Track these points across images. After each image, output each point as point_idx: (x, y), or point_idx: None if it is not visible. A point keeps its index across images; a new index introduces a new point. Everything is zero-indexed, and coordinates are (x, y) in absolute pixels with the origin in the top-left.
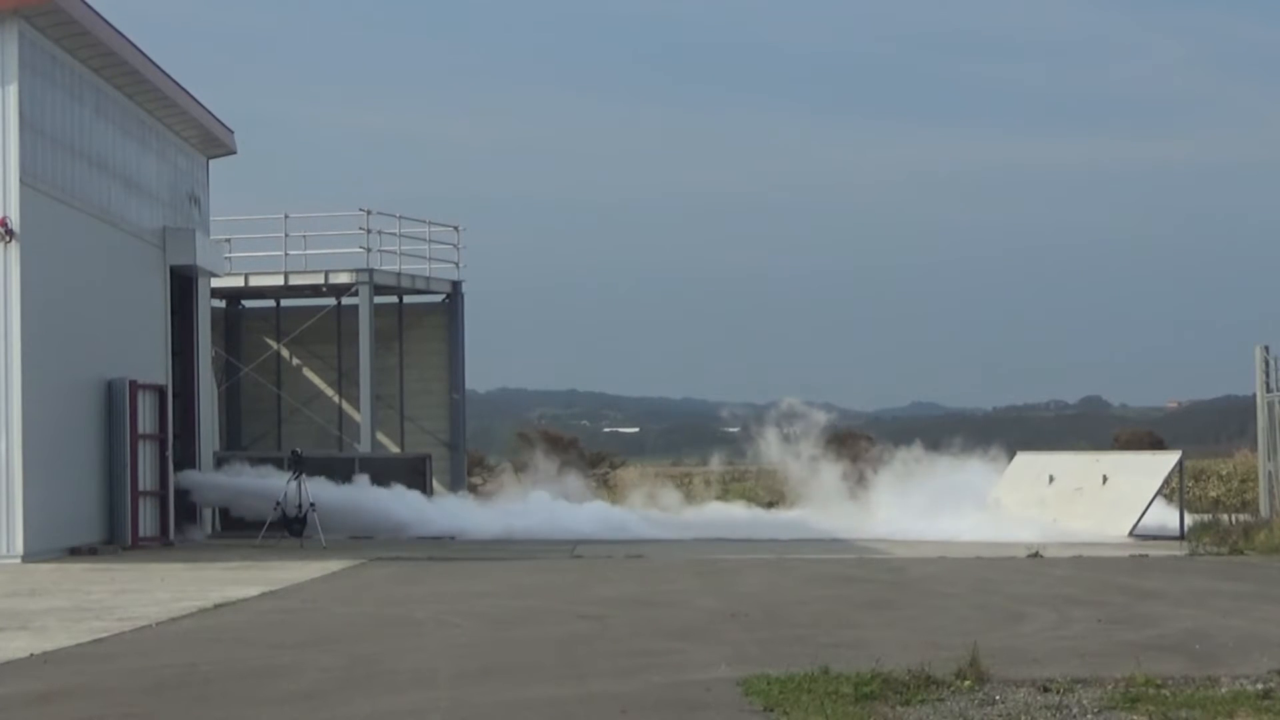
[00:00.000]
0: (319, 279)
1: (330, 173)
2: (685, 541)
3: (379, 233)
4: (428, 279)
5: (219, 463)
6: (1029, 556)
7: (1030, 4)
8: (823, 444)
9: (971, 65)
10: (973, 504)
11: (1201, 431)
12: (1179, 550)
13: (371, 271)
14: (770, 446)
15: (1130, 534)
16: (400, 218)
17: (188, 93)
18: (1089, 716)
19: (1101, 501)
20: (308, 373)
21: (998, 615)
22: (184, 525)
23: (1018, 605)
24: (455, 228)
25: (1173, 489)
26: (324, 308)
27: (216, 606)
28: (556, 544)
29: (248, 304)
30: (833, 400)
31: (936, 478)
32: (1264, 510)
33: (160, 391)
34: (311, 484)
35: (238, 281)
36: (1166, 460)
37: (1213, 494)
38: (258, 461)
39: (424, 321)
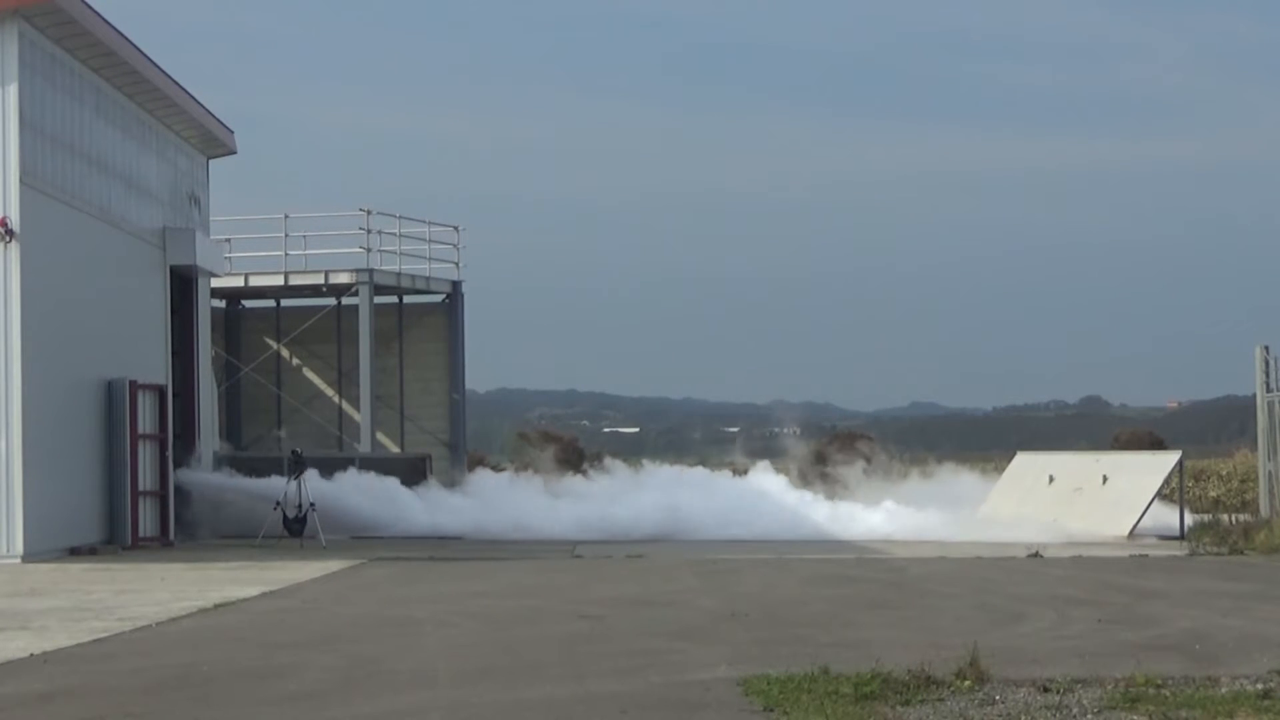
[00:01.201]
0: (319, 279)
1: (330, 173)
2: (684, 541)
3: (379, 233)
4: (428, 279)
5: (219, 462)
6: (1029, 556)
7: (1034, 4)
8: (808, 447)
9: (972, 65)
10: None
11: (1201, 431)
12: (1179, 550)
13: (371, 271)
14: (737, 451)
15: (1130, 534)
16: (400, 218)
17: (188, 93)
18: (1089, 716)
19: (1102, 502)
20: (308, 373)
21: (998, 615)
22: (187, 524)
23: (1018, 605)
24: (455, 228)
25: (1173, 489)
26: (324, 308)
27: (216, 606)
28: (556, 544)
29: (248, 304)
30: (833, 400)
31: (917, 488)
32: (1264, 510)
33: (160, 391)
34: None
35: (238, 281)
36: (1166, 460)
37: (1213, 494)
38: (258, 461)
39: (424, 321)
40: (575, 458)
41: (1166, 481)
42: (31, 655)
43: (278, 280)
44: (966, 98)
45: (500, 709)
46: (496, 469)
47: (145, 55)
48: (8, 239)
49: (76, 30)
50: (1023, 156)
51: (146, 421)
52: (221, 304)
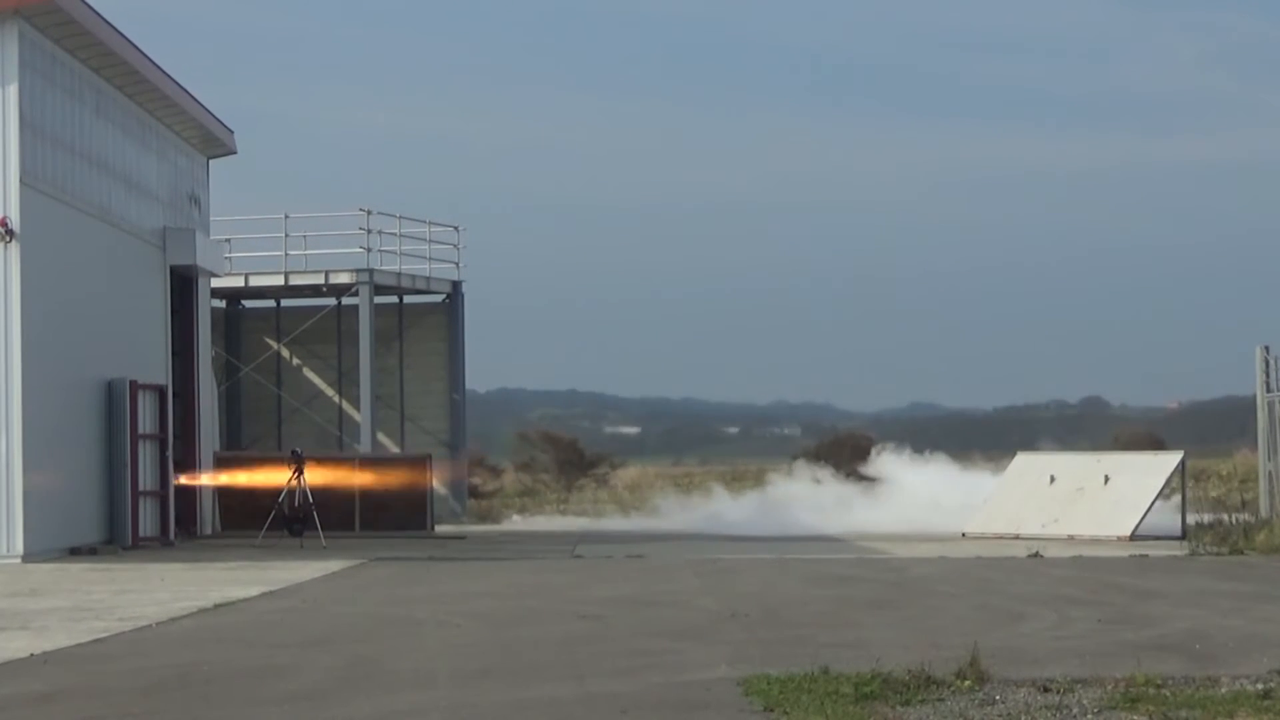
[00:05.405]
0: (319, 279)
1: (330, 173)
2: (685, 541)
3: (379, 233)
4: (428, 279)
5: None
6: (1029, 556)
7: (1038, 3)
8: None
9: (973, 64)
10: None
11: (1202, 431)
12: (1179, 550)
13: (371, 271)
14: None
15: (1132, 534)
16: (400, 218)
17: (188, 93)
18: (1089, 716)
19: (1103, 502)
20: (308, 373)
21: (998, 615)
22: (187, 525)
23: (1018, 605)
24: (455, 228)
25: (1174, 489)
26: (324, 308)
27: (216, 606)
28: (557, 544)
29: (248, 304)
30: (833, 400)
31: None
32: (1264, 510)
33: (160, 391)
34: None
35: (238, 281)
36: (1168, 460)
37: (1213, 494)
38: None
39: (424, 321)
40: (577, 459)
41: (1168, 482)
42: (31, 655)
43: (278, 280)
44: (967, 97)
45: (500, 709)
46: (496, 469)
47: (145, 55)
48: (8, 239)
49: (76, 30)
50: (1024, 156)
51: (147, 421)
52: (221, 304)
